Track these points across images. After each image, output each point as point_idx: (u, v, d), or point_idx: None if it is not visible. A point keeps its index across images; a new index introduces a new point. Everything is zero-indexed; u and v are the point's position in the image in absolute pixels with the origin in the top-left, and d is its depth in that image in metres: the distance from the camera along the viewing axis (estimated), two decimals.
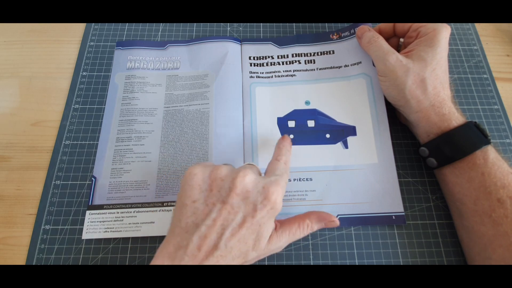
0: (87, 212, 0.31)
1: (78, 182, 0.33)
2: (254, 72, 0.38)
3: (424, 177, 0.34)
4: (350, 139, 0.34)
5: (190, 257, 0.22)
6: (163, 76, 0.38)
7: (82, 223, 0.31)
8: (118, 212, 0.31)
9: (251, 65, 0.38)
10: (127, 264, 0.30)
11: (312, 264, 0.30)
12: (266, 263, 0.30)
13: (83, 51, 0.40)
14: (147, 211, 0.32)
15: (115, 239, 0.31)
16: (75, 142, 0.35)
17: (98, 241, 0.31)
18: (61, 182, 0.33)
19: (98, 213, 0.31)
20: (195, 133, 0.35)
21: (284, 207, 0.31)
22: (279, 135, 0.35)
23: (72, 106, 0.37)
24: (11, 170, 0.34)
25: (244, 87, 0.37)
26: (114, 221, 0.31)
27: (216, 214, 0.23)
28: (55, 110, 0.37)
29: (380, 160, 0.33)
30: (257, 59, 0.39)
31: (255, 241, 0.24)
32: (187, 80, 0.38)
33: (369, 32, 0.34)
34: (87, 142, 0.35)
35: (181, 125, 0.35)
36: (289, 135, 0.35)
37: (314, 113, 0.36)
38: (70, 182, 0.33)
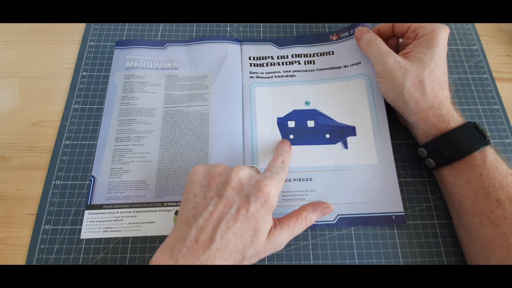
0: (86, 211, 0.31)
1: (78, 182, 0.33)
2: (254, 72, 0.38)
3: (424, 177, 0.34)
4: (349, 139, 0.34)
5: (188, 249, 0.23)
6: (162, 76, 0.38)
7: (82, 223, 0.31)
8: (117, 212, 0.31)
9: (251, 65, 0.38)
10: (127, 264, 0.30)
11: (312, 264, 0.30)
12: (266, 263, 0.30)
13: (83, 51, 0.40)
14: (147, 211, 0.32)
15: (115, 239, 0.31)
16: (75, 142, 0.35)
17: (98, 241, 0.31)
18: (61, 182, 0.33)
19: (97, 213, 0.31)
20: (194, 134, 0.35)
21: (284, 207, 0.31)
22: (279, 135, 0.35)
23: (72, 106, 0.37)
24: (11, 170, 0.34)
25: (244, 87, 0.37)
26: (114, 220, 0.31)
27: (213, 207, 0.24)
28: (55, 110, 0.37)
29: (380, 160, 0.33)
30: (257, 59, 0.39)
31: (252, 236, 0.24)
32: (187, 81, 0.38)
33: (368, 34, 0.34)
34: (87, 142, 0.35)
35: (181, 126, 0.35)
36: (289, 135, 0.35)
37: (314, 113, 0.36)
38: (70, 182, 0.33)
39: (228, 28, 0.41)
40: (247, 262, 0.26)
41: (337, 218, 0.31)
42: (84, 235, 0.31)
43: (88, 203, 0.32)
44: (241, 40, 0.40)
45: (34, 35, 0.41)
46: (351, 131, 0.34)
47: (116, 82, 0.37)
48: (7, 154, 0.34)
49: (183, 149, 0.34)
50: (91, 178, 0.33)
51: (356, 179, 0.32)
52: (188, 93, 0.37)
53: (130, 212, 0.32)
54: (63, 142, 0.35)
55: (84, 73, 0.38)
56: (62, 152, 0.34)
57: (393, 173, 0.32)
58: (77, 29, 0.41)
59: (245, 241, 0.24)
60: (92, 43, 0.40)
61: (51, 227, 0.31)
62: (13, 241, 0.31)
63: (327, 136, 0.34)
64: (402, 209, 0.31)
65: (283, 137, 0.34)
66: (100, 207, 0.32)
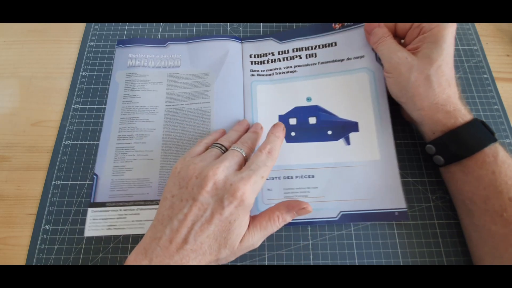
0: (89, 209, 0.31)
1: (78, 182, 0.33)
2: (255, 70, 0.38)
3: (424, 177, 0.34)
4: (352, 136, 0.34)
5: (162, 249, 0.23)
6: (164, 74, 0.38)
7: (82, 223, 0.31)
8: (121, 210, 0.32)
9: (251, 63, 0.38)
10: None
11: (312, 264, 0.30)
12: (267, 263, 0.30)
13: (83, 51, 0.40)
14: (150, 209, 0.32)
15: (115, 238, 0.31)
16: (75, 142, 0.35)
17: (98, 241, 0.31)
18: (61, 182, 0.33)
19: (101, 211, 0.31)
20: (196, 132, 0.35)
21: None
22: None
23: (72, 106, 0.36)
24: (11, 170, 0.34)
25: (245, 85, 0.37)
26: (117, 218, 0.31)
27: (188, 209, 0.24)
28: (55, 110, 0.37)
29: (382, 157, 0.33)
30: (258, 57, 0.39)
31: (226, 238, 0.24)
32: (188, 79, 0.38)
33: (380, 29, 0.33)
34: (87, 142, 0.35)
35: (183, 124, 0.35)
36: (290, 132, 0.34)
37: (315, 110, 0.35)
38: (70, 182, 0.33)
39: (228, 28, 0.41)
40: (222, 262, 0.26)
41: (340, 214, 0.31)
42: (88, 232, 0.31)
43: (91, 201, 0.32)
44: (241, 39, 0.40)
45: (34, 35, 0.41)
46: (354, 127, 0.34)
47: (118, 80, 0.37)
48: (7, 154, 0.34)
49: (184, 146, 0.34)
50: (94, 176, 0.33)
51: (358, 175, 0.32)
52: (189, 91, 0.37)
53: (133, 209, 0.32)
54: (63, 142, 0.35)
55: (84, 73, 0.38)
56: (62, 152, 0.34)
57: (395, 169, 0.32)
58: (77, 29, 0.41)
59: (219, 243, 0.24)
60: (92, 43, 0.40)
61: (51, 227, 0.31)
62: (13, 241, 0.31)
63: (329, 132, 0.34)
64: (405, 205, 0.31)
65: (285, 136, 0.34)
66: (103, 205, 0.32)
